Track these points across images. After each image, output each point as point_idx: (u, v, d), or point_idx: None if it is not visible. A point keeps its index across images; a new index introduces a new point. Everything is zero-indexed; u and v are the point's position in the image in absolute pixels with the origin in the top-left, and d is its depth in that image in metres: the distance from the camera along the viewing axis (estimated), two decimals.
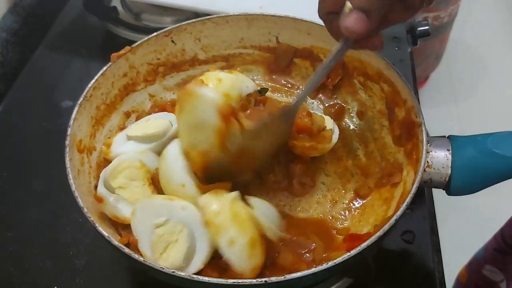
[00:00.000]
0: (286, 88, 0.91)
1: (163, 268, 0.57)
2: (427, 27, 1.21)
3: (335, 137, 0.78)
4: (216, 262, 0.64)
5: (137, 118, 0.84)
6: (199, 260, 0.63)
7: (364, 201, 0.76)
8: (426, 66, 2.33)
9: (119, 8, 1.19)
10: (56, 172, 0.85)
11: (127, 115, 0.83)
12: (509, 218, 1.07)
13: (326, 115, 0.84)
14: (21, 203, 0.89)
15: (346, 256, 0.57)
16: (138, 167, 0.71)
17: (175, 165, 0.67)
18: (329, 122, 0.79)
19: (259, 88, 0.86)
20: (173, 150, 0.68)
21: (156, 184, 0.72)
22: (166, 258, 0.62)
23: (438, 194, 0.71)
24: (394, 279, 0.78)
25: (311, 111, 0.79)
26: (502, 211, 1.14)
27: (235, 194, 0.63)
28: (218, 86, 0.76)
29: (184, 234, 0.62)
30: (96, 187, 0.72)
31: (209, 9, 1.05)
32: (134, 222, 0.65)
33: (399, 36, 1.15)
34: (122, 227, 0.71)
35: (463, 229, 1.97)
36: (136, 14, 1.19)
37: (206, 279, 0.56)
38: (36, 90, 1.09)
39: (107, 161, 0.77)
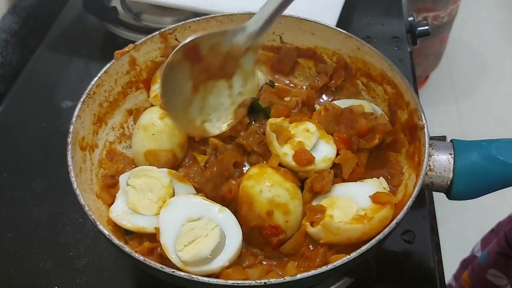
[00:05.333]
0: (289, 88, 0.90)
1: (163, 268, 0.57)
2: (426, 27, 1.21)
3: (381, 112, 0.79)
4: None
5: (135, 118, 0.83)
6: (226, 256, 0.63)
7: None
8: (426, 65, 2.33)
9: (119, 8, 1.19)
10: (56, 172, 0.86)
11: (130, 112, 0.83)
12: None
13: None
14: (21, 203, 0.89)
15: (345, 259, 0.57)
16: (165, 185, 0.69)
17: None
18: (367, 106, 0.79)
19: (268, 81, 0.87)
20: None
21: None
22: (189, 251, 0.61)
23: (438, 194, 0.70)
24: (394, 278, 0.78)
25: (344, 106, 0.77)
26: (502, 211, 1.14)
27: None
28: None
29: (216, 231, 0.63)
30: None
31: (208, 9, 1.05)
32: (165, 211, 0.65)
33: (399, 36, 1.15)
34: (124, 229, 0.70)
35: (463, 229, 1.97)
36: (136, 14, 1.19)
37: (205, 279, 0.56)
38: (36, 90, 1.09)
39: (109, 159, 0.77)
